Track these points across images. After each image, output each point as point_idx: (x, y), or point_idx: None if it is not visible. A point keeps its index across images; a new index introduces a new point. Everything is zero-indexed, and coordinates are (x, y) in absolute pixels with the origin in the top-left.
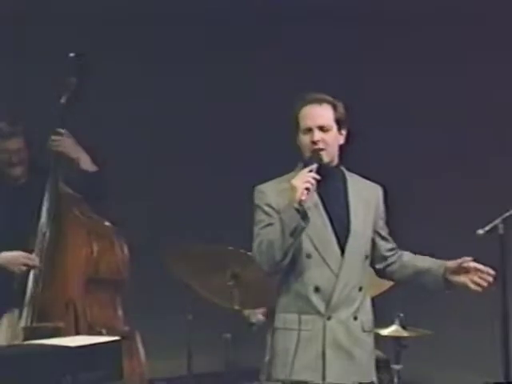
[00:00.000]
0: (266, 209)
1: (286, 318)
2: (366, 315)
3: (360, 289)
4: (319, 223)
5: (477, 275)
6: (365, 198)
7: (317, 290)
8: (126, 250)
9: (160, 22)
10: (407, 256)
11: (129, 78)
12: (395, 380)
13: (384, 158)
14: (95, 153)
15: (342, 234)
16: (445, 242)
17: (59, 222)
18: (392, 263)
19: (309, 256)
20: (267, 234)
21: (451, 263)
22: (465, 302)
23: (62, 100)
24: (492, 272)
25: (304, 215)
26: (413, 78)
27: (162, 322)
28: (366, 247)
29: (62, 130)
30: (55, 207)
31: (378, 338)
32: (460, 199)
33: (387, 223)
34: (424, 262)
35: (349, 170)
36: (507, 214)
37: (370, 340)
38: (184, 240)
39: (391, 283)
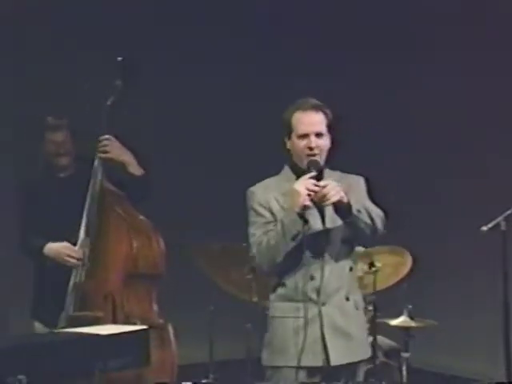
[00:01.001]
0: (258, 208)
1: (282, 307)
2: (357, 294)
3: (350, 269)
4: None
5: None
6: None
7: (312, 279)
8: (162, 245)
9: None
10: None
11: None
12: (404, 367)
13: (390, 159)
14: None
15: (325, 223)
16: (452, 237)
17: (101, 218)
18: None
19: (300, 247)
20: (266, 237)
21: None
22: (468, 295)
23: (108, 102)
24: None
25: (305, 220)
26: (413, 78)
27: (187, 314)
28: (345, 231)
29: (109, 136)
30: (99, 205)
31: (388, 328)
32: (464, 199)
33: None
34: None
35: (332, 168)
36: (509, 212)
37: (362, 317)
38: (206, 239)
39: (399, 277)
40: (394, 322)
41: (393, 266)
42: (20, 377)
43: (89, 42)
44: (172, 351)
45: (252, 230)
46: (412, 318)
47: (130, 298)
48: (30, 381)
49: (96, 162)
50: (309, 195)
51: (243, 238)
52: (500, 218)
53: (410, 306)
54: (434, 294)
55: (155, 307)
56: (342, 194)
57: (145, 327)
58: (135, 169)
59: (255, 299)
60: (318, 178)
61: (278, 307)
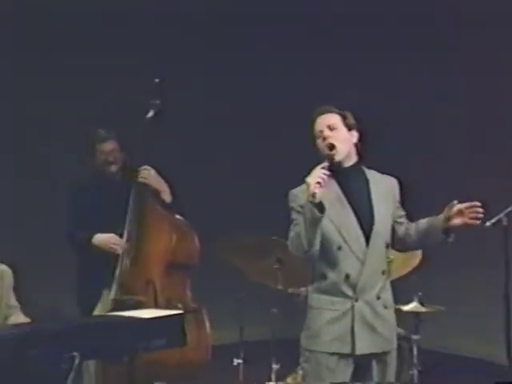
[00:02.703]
0: (299, 209)
1: (319, 299)
2: (387, 294)
3: (383, 272)
4: (345, 217)
5: (469, 212)
6: (384, 191)
7: (347, 277)
8: (197, 240)
9: None
10: (414, 225)
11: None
12: (414, 348)
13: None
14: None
15: (366, 225)
16: (458, 232)
17: (144, 213)
18: (407, 238)
19: (339, 248)
20: (296, 228)
21: (444, 212)
22: (472, 283)
23: (148, 115)
24: (478, 204)
25: (321, 207)
26: (427, 77)
27: (219, 301)
28: (387, 236)
29: (147, 166)
30: (142, 202)
31: (400, 313)
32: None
33: (403, 206)
34: (425, 221)
35: (368, 167)
36: (510, 208)
37: (390, 314)
38: (235, 231)
39: (411, 267)
40: (406, 308)
41: (405, 257)
42: (74, 354)
43: (132, 64)
44: (206, 332)
45: (291, 226)
46: (422, 304)
47: (168, 285)
48: (83, 358)
49: (132, 196)
50: (318, 183)
51: (272, 233)
52: (502, 215)
53: (420, 294)
54: (441, 283)
55: (189, 293)
56: None
57: (181, 312)
58: (167, 196)
59: (280, 287)
60: (331, 168)
61: (316, 299)
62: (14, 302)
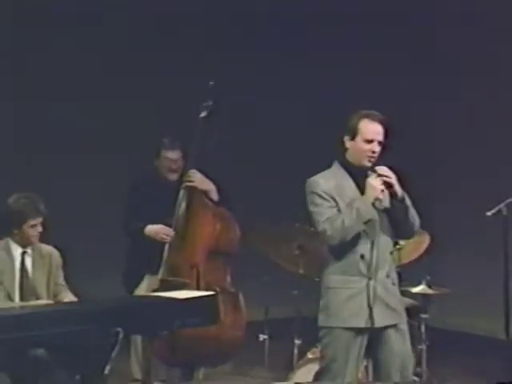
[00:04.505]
0: (322, 194)
1: (336, 279)
2: (394, 273)
3: (391, 253)
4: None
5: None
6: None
7: (362, 257)
8: (238, 230)
9: None
10: None
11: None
12: (422, 325)
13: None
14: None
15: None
16: (463, 221)
17: (192, 205)
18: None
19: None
20: (340, 218)
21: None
22: (475, 268)
23: (202, 115)
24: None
25: (377, 210)
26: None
27: (247, 283)
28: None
29: (194, 170)
30: (189, 196)
31: (410, 295)
32: (472, 188)
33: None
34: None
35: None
36: (509, 200)
37: (397, 290)
38: (261, 220)
39: (419, 253)
40: (415, 290)
41: (414, 244)
42: (117, 329)
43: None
44: (242, 314)
45: (320, 210)
46: (430, 287)
47: (210, 270)
48: (126, 333)
49: (181, 191)
50: (382, 191)
51: (294, 220)
52: (502, 205)
53: (428, 277)
54: (447, 267)
55: (229, 279)
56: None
57: (213, 293)
58: (214, 195)
59: (301, 271)
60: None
61: (333, 279)
62: (62, 280)
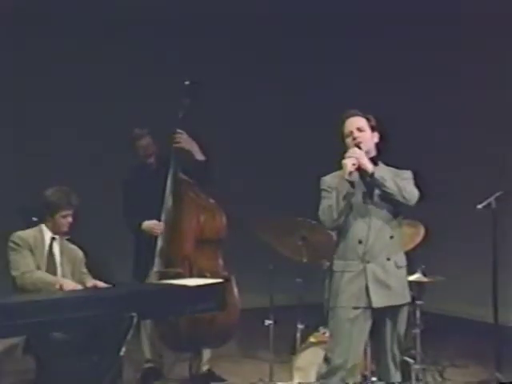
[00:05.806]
0: (327, 189)
1: (339, 264)
2: (399, 256)
3: (391, 237)
4: (359, 195)
5: None
6: (390, 175)
7: (359, 242)
8: (224, 219)
9: None
10: None
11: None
12: (417, 312)
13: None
14: (204, 146)
15: (373, 199)
16: (455, 214)
17: (178, 201)
18: None
19: (354, 218)
20: (327, 201)
21: None
22: (466, 257)
23: (179, 115)
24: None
25: (352, 184)
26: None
27: (253, 272)
28: (389, 206)
29: (180, 130)
30: (175, 191)
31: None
32: (462, 182)
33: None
34: None
35: (387, 164)
36: (498, 193)
37: (402, 273)
38: (266, 213)
39: (414, 245)
40: (411, 278)
41: (410, 235)
42: (132, 314)
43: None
44: (235, 296)
45: (321, 201)
46: (424, 275)
47: (201, 257)
48: (140, 318)
49: (172, 158)
50: (353, 164)
51: (297, 214)
52: (491, 198)
53: (424, 266)
54: (441, 257)
55: (221, 262)
56: (364, 160)
57: (221, 280)
58: (199, 155)
59: (305, 260)
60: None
61: (337, 264)
62: (85, 270)
